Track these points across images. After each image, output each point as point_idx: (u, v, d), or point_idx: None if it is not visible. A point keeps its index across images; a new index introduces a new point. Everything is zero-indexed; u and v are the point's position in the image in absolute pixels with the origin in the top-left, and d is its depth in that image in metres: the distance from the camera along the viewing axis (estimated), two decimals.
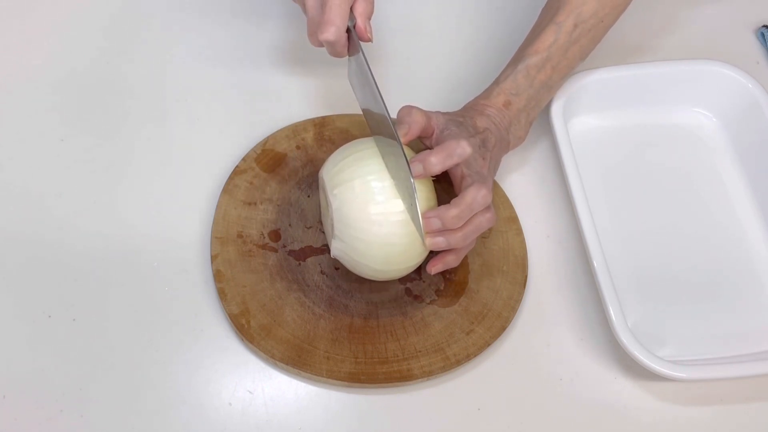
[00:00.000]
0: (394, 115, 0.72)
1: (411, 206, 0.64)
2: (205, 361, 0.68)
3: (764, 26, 0.92)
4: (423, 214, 0.64)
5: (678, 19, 0.92)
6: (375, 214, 0.64)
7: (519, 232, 0.76)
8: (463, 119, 0.72)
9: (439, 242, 0.66)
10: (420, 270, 0.72)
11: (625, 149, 0.83)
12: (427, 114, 0.70)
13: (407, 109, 0.70)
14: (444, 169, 0.66)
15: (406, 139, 0.68)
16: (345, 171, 0.65)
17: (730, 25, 0.93)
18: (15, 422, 0.64)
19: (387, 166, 0.65)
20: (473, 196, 0.65)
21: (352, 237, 0.65)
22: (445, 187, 0.70)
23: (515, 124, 0.74)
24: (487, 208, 0.67)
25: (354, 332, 0.69)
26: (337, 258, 0.68)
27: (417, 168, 0.64)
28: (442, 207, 0.65)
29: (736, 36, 0.92)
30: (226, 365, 0.68)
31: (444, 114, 0.72)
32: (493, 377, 0.70)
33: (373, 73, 0.66)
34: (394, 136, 0.65)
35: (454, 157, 0.65)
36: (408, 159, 0.64)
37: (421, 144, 0.72)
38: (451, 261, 0.68)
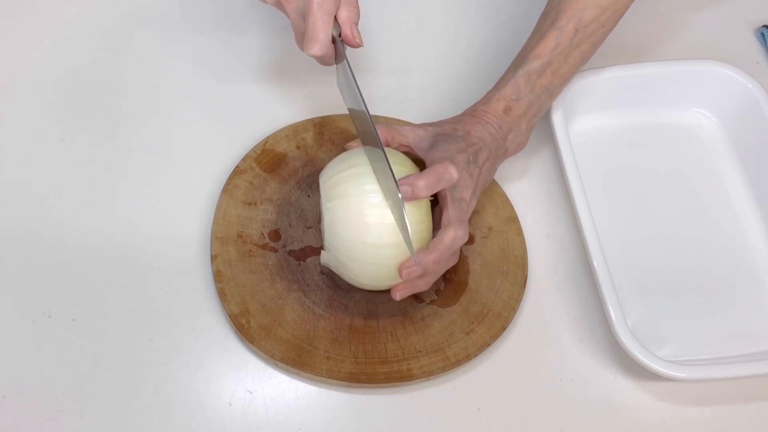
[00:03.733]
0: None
1: (402, 226, 0.64)
2: (205, 361, 0.68)
3: (764, 26, 0.92)
4: (402, 265, 0.65)
5: (678, 20, 0.92)
6: (365, 235, 0.64)
7: (519, 232, 0.76)
8: (456, 129, 0.71)
9: (413, 271, 0.65)
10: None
11: (626, 149, 0.83)
12: (392, 130, 0.70)
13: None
14: (432, 193, 0.66)
15: (356, 144, 0.70)
16: (340, 186, 0.65)
17: (730, 25, 0.93)
18: (15, 422, 0.64)
19: (378, 180, 0.65)
20: (452, 239, 0.66)
21: (341, 253, 0.66)
22: None
23: (515, 130, 0.74)
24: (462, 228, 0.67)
25: (354, 332, 0.69)
26: (326, 265, 0.69)
27: (406, 191, 0.64)
28: (422, 253, 0.65)
29: (736, 36, 0.92)
30: (226, 365, 0.68)
31: (425, 127, 0.72)
32: (493, 377, 0.70)
33: (359, 82, 0.66)
34: (380, 149, 0.64)
35: (442, 182, 0.66)
36: (399, 172, 0.65)
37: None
38: (420, 285, 0.68)
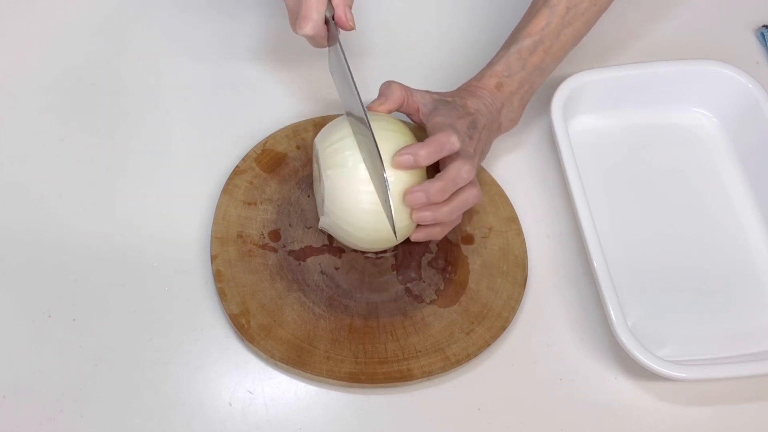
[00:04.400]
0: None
1: (384, 201, 0.66)
2: (205, 361, 0.68)
3: (764, 26, 0.92)
4: (409, 189, 0.66)
5: (678, 19, 0.92)
6: (363, 202, 0.66)
7: (519, 232, 0.76)
8: (453, 99, 0.73)
9: (425, 216, 0.67)
10: (420, 270, 0.72)
11: (625, 149, 0.83)
12: (407, 89, 0.71)
13: (387, 84, 0.71)
14: (433, 162, 0.67)
15: (382, 108, 0.70)
16: (339, 154, 0.67)
17: (730, 25, 0.93)
18: (15, 422, 0.64)
19: (363, 159, 0.67)
20: (457, 170, 0.66)
21: (340, 218, 0.67)
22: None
23: (507, 106, 0.75)
24: (473, 185, 0.68)
25: (354, 332, 0.69)
26: (324, 230, 0.71)
27: (407, 159, 0.65)
28: (427, 181, 0.66)
29: (736, 36, 0.92)
30: (226, 365, 0.68)
31: (433, 93, 0.73)
32: (493, 377, 0.69)
33: (351, 65, 0.67)
34: (370, 133, 0.66)
35: (443, 151, 0.67)
36: (398, 140, 0.66)
37: (412, 122, 0.73)
38: (435, 233, 0.69)
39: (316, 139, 0.70)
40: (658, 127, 0.85)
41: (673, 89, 0.84)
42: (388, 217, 0.66)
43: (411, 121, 0.74)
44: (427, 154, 0.66)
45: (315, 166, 0.71)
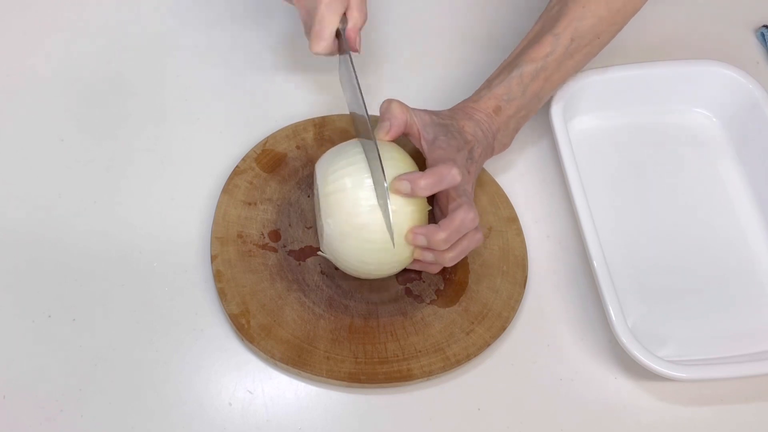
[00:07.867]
0: (376, 112, 0.73)
1: (384, 210, 0.65)
2: (205, 361, 0.68)
3: (764, 26, 0.92)
4: (412, 229, 0.66)
5: (678, 19, 0.92)
6: (366, 249, 0.66)
7: (519, 232, 0.76)
8: (450, 122, 0.72)
9: (426, 256, 0.67)
10: (420, 270, 0.72)
11: (625, 149, 0.83)
12: (407, 109, 0.70)
13: (386, 104, 0.70)
14: (431, 194, 0.66)
15: (389, 136, 0.69)
16: (338, 204, 0.66)
17: (730, 25, 0.93)
18: (15, 422, 0.64)
19: (371, 170, 0.66)
20: (462, 219, 0.65)
21: (340, 258, 0.68)
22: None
23: (503, 130, 0.74)
24: (476, 230, 0.67)
25: (354, 332, 0.69)
26: (324, 257, 0.70)
27: (404, 186, 0.65)
28: (432, 227, 0.65)
29: (736, 36, 0.92)
30: (226, 365, 0.68)
31: (430, 114, 0.72)
32: (493, 377, 0.70)
33: (359, 77, 0.68)
34: (372, 140, 0.66)
35: (443, 183, 0.66)
36: (398, 168, 0.66)
37: (410, 142, 0.72)
38: (432, 269, 0.71)
39: (319, 168, 0.68)
40: (658, 127, 0.85)
41: (673, 89, 0.84)
42: (387, 225, 0.65)
43: (411, 143, 0.73)
44: (426, 185, 0.65)
45: (316, 192, 0.70)
